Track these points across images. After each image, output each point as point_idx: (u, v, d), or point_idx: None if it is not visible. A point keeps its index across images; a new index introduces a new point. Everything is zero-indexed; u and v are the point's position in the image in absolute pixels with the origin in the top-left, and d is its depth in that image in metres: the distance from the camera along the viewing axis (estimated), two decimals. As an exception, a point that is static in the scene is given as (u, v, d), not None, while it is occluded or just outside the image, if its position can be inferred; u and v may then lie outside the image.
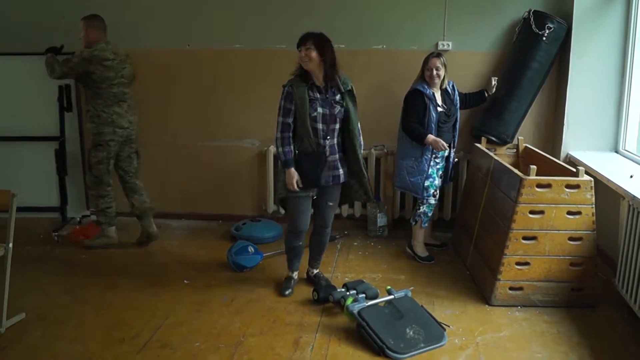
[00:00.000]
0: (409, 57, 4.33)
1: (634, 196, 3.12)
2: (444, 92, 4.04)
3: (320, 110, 3.33)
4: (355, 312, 3.06)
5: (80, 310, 3.36)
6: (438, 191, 4.09)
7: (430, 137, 3.88)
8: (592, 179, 3.32)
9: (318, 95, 3.34)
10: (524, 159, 4.32)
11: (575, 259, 3.35)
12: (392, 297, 3.25)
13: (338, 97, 3.37)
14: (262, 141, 4.78)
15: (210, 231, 4.76)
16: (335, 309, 3.35)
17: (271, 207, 4.80)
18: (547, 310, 3.36)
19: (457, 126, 4.13)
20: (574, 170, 3.38)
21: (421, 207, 4.07)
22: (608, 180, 3.50)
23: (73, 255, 4.19)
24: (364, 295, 3.29)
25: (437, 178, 4.05)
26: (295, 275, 3.72)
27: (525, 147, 4.37)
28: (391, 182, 4.51)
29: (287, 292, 3.60)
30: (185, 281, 3.75)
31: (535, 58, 4.20)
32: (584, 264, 3.35)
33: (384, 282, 3.69)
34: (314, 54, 3.27)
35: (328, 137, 3.37)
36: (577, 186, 3.29)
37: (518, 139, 4.40)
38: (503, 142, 4.34)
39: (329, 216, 3.64)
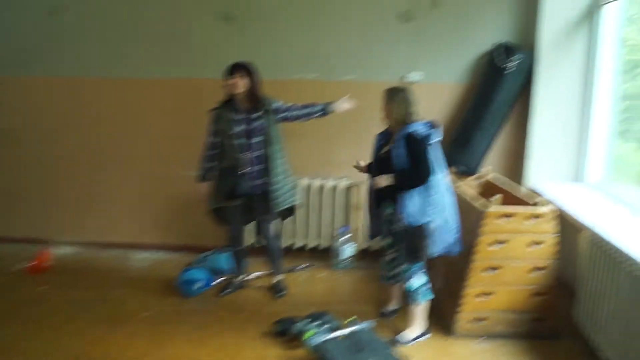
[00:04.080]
0: (379, 88, 4.36)
1: (593, 228, 3.15)
2: None
3: (239, 128, 3.68)
4: (314, 345, 3.02)
5: (34, 345, 3.28)
6: None
7: None
8: (554, 209, 3.34)
9: (240, 117, 3.70)
10: (489, 189, 4.34)
11: (538, 288, 3.35)
12: (352, 329, 3.22)
13: (260, 114, 3.70)
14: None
15: (176, 262, 4.64)
16: (297, 341, 3.30)
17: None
18: (509, 341, 3.34)
19: None
20: (537, 200, 3.40)
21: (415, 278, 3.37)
22: (568, 212, 3.53)
23: (29, 288, 4.10)
24: (326, 327, 3.25)
25: None
26: (237, 279, 4.10)
27: (491, 177, 4.38)
28: (361, 212, 4.51)
29: (221, 293, 4.01)
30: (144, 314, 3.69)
31: (499, 90, 4.27)
32: (546, 293, 3.35)
33: (349, 313, 3.63)
34: (241, 82, 3.63)
35: (247, 151, 3.70)
36: (539, 216, 3.31)
37: (484, 169, 4.43)
38: (468, 173, 4.37)
39: (264, 225, 3.94)
